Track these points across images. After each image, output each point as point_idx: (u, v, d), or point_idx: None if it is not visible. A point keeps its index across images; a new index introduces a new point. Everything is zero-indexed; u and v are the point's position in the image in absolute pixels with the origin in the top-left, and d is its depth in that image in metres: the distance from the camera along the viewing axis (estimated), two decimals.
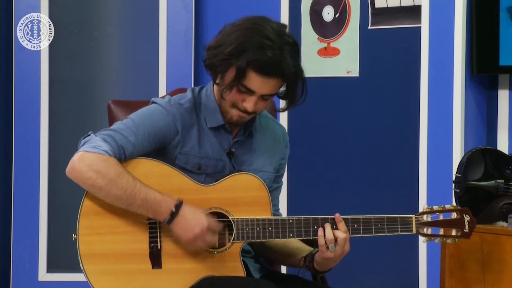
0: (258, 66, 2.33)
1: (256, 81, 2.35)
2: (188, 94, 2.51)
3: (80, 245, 2.34)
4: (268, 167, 2.55)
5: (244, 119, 2.45)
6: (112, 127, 2.41)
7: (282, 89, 2.43)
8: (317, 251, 2.42)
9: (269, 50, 2.32)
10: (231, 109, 2.43)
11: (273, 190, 2.59)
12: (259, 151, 2.54)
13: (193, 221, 2.33)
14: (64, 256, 4.14)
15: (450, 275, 3.09)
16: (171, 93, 2.75)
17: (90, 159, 2.30)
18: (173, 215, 2.32)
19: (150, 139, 2.40)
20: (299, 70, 2.40)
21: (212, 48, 2.40)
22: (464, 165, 3.02)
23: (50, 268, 4.20)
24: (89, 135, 2.38)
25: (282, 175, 2.64)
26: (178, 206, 2.33)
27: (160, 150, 2.44)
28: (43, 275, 4.19)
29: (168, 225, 2.33)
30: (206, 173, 2.45)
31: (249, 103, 2.39)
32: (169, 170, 2.39)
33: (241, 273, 2.39)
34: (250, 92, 2.38)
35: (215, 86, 2.48)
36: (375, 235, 2.42)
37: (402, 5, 3.76)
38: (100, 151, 2.31)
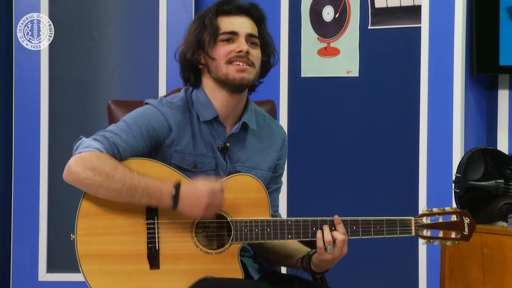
0: (223, 10, 2.46)
1: (230, 22, 2.46)
2: (181, 93, 2.52)
3: (78, 246, 2.34)
4: (263, 165, 2.54)
5: (245, 73, 2.44)
6: (105, 129, 2.42)
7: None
8: (314, 252, 2.42)
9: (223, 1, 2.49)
10: (228, 67, 2.44)
11: (273, 191, 2.59)
12: (254, 148, 2.54)
13: (196, 195, 2.31)
14: (64, 256, 4.15)
15: (450, 276, 3.09)
16: (170, 93, 2.75)
17: (83, 159, 2.30)
18: (176, 197, 2.31)
19: (143, 136, 2.40)
20: (258, 7, 2.51)
21: (181, 46, 2.51)
22: (464, 165, 3.02)
23: (50, 268, 4.20)
24: (80, 139, 2.38)
25: (281, 175, 2.63)
26: (177, 188, 2.31)
27: (155, 150, 2.43)
28: (43, 275, 4.19)
29: (175, 209, 2.32)
30: (202, 170, 2.45)
31: (239, 43, 2.44)
32: (168, 170, 2.39)
33: (239, 274, 2.38)
34: (233, 34, 2.44)
35: (204, 79, 2.49)
36: (374, 237, 2.42)
37: (402, 5, 3.76)
38: (92, 149, 2.31)
